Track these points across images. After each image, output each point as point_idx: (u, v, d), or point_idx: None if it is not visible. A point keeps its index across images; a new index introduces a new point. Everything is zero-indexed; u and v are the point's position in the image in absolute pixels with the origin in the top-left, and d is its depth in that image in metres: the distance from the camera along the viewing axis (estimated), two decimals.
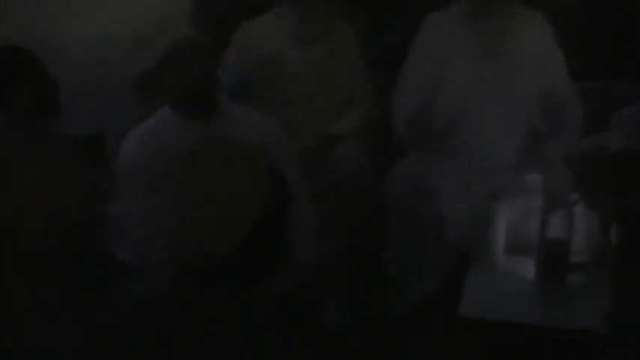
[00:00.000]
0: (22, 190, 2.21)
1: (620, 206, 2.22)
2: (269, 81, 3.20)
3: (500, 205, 2.56)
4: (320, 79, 3.19)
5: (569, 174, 2.35)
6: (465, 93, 2.89)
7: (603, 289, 2.18)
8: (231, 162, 1.37)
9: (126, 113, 2.90)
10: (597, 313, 2.06)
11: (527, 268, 2.26)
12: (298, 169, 2.63)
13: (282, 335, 1.40)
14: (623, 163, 2.25)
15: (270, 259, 1.40)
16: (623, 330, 2.00)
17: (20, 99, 2.31)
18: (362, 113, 3.26)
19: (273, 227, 1.38)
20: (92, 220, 2.33)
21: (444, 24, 2.95)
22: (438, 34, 2.95)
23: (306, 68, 3.17)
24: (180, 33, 2.59)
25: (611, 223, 2.22)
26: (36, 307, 1.73)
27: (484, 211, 2.61)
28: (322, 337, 2.64)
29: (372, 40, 3.86)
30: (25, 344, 1.61)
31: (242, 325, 1.35)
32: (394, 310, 2.91)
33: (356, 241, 3.17)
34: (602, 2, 3.83)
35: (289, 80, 3.17)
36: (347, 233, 3.12)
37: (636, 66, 2.77)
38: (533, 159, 2.80)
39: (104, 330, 1.40)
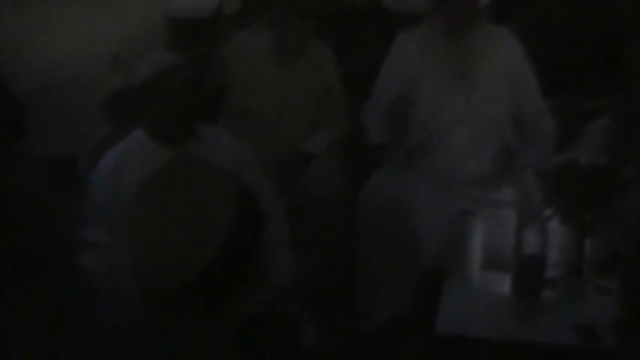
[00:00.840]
0: None
1: (594, 220, 2.22)
2: (244, 99, 3.20)
3: (474, 221, 2.56)
4: (293, 97, 3.20)
5: (543, 189, 2.35)
6: (437, 110, 2.91)
7: (579, 303, 2.19)
8: (200, 183, 1.35)
9: (98, 134, 2.88)
10: (573, 328, 2.06)
11: (503, 284, 2.25)
12: (272, 191, 2.62)
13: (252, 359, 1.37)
14: (594, 178, 2.26)
15: (241, 281, 1.38)
16: (600, 343, 2.00)
17: None
18: (336, 132, 3.27)
19: (243, 250, 1.36)
20: (62, 241, 2.30)
21: (415, 42, 2.98)
22: (410, 53, 2.98)
23: (279, 87, 3.18)
24: (157, 55, 2.55)
25: (585, 237, 2.22)
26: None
27: (458, 228, 2.61)
28: (296, 357, 2.61)
29: (346, 59, 3.88)
30: None
31: (209, 349, 1.32)
32: (368, 328, 2.89)
33: (329, 259, 3.16)
34: (571, 19, 3.89)
35: (263, 98, 3.18)
36: (320, 252, 3.11)
37: (604, 81, 2.81)
38: (507, 175, 2.82)
39: (70, 356, 1.36)
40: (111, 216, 2.29)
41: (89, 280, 2.33)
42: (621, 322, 1.98)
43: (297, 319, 2.46)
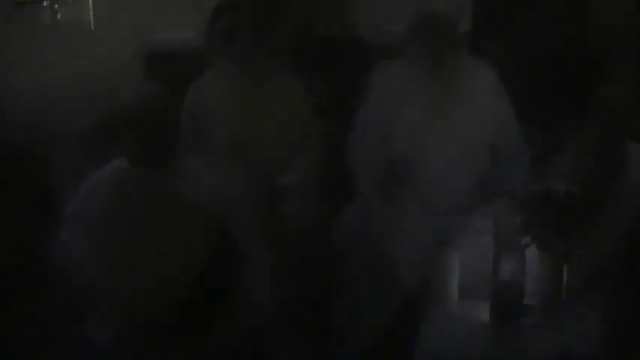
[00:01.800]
0: None
1: (570, 247, 2.25)
2: (214, 133, 3.21)
3: (452, 249, 2.57)
4: (264, 131, 3.21)
5: (520, 217, 2.38)
6: (415, 140, 2.93)
7: (557, 329, 2.20)
8: (176, 217, 1.36)
9: (74, 163, 2.87)
10: (551, 355, 2.07)
11: (482, 312, 2.26)
12: (251, 222, 2.62)
13: None
14: (570, 206, 2.29)
15: (219, 310, 1.38)
16: None
17: None
18: (309, 163, 3.28)
19: (220, 281, 1.36)
20: (38, 266, 2.28)
21: (394, 73, 3.00)
22: (388, 83, 3.00)
23: (249, 121, 3.19)
24: (137, 87, 2.56)
25: (562, 265, 2.24)
26: None
27: (437, 256, 2.62)
28: None
29: (323, 88, 3.91)
30: None
31: None
32: (347, 355, 2.88)
33: (308, 287, 3.16)
34: (546, 50, 3.96)
35: (234, 133, 3.19)
36: (299, 280, 3.10)
37: (577, 109, 2.85)
38: (484, 203, 2.84)
39: None
40: (88, 241, 2.26)
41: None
42: (599, 348, 2.00)
43: (277, 346, 2.46)
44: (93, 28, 3.97)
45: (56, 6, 3.86)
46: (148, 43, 4.25)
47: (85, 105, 3.32)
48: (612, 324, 2.00)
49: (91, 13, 4.00)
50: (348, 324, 2.97)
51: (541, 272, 2.27)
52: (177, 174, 2.44)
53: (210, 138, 3.22)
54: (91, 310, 2.13)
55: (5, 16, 3.60)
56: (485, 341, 2.19)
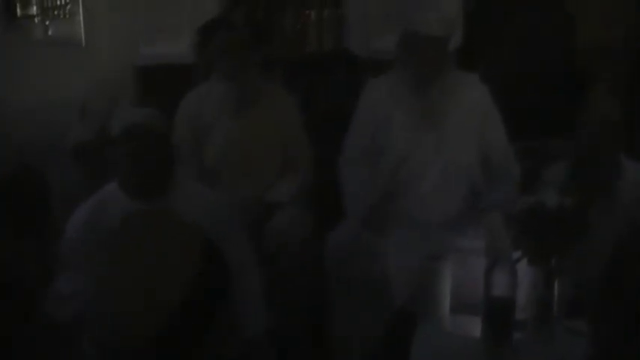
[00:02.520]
0: None
1: (561, 262, 2.25)
2: (206, 148, 3.20)
3: (443, 265, 2.57)
4: (255, 146, 3.21)
5: (510, 232, 2.38)
6: (406, 157, 2.93)
7: (549, 344, 2.20)
8: (165, 236, 1.35)
9: (66, 179, 2.86)
10: None
11: (473, 327, 2.26)
12: (245, 244, 2.62)
13: None
14: (560, 220, 2.29)
15: (208, 330, 1.37)
16: None
17: None
18: (300, 180, 3.27)
19: (208, 300, 1.36)
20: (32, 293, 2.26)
21: (384, 89, 3.00)
22: (379, 99, 3.00)
23: (240, 136, 3.19)
24: (130, 110, 2.52)
25: (554, 279, 2.24)
26: None
27: (428, 272, 2.61)
28: None
29: (315, 104, 3.93)
30: None
31: None
32: None
33: (300, 306, 3.15)
34: (536, 65, 4.00)
35: (225, 149, 3.18)
36: (291, 299, 3.09)
37: (566, 125, 2.86)
38: (475, 218, 2.84)
39: None
40: (82, 266, 2.24)
41: (59, 329, 2.28)
42: None
43: None
44: (84, 44, 3.98)
45: (47, 22, 3.87)
46: (139, 58, 4.25)
47: (75, 120, 3.31)
48: (605, 338, 2.00)
49: (82, 28, 4.00)
50: (340, 341, 2.96)
51: (532, 287, 2.27)
52: (175, 195, 2.42)
53: (202, 152, 3.22)
54: (81, 334, 2.12)
55: None
56: (477, 356, 2.18)
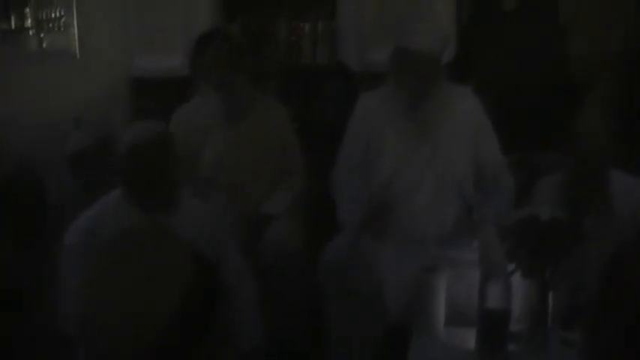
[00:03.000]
0: None
1: (555, 274, 2.26)
2: (200, 160, 3.20)
3: (438, 277, 2.58)
4: (247, 158, 3.20)
5: (504, 244, 2.39)
6: (399, 170, 2.93)
7: (543, 355, 2.21)
8: (156, 252, 1.35)
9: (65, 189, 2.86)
10: None
11: (468, 339, 2.26)
12: (239, 258, 2.61)
13: None
14: (554, 233, 2.30)
15: (199, 346, 1.37)
16: None
17: None
18: (294, 192, 3.27)
19: (199, 317, 1.36)
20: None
21: (377, 102, 3.00)
22: (371, 113, 3.00)
23: (232, 148, 3.19)
24: (140, 125, 2.50)
25: (548, 292, 2.25)
26: None
27: (422, 285, 2.61)
28: None
29: (308, 115, 3.94)
30: None
31: None
32: None
33: (296, 319, 3.14)
34: (528, 78, 4.01)
35: (216, 160, 3.18)
36: (286, 312, 3.08)
37: (559, 137, 2.87)
38: (469, 231, 2.84)
39: None
40: (81, 276, 2.23)
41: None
42: None
43: None
44: (78, 57, 3.98)
45: (42, 34, 3.87)
46: (133, 70, 4.26)
47: (71, 131, 3.31)
48: (599, 349, 2.00)
49: (77, 41, 4.00)
50: (335, 353, 2.95)
51: (527, 299, 2.27)
52: (177, 210, 2.41)
53: (196, 164, 3.22)
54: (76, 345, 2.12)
55: None
56: None
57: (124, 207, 2.39)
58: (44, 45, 3.93)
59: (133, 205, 2.38)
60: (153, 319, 1.29)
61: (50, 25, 3.96)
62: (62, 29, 3.99)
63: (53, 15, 3.98)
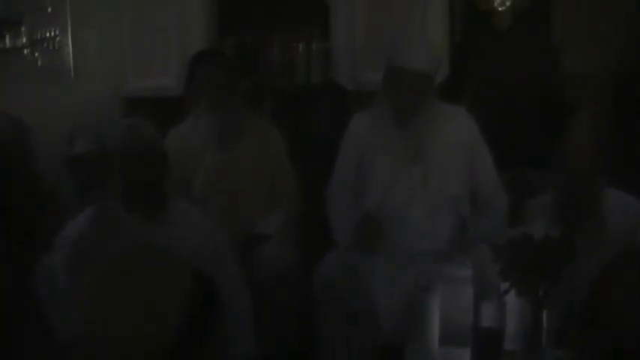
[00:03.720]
0: None
1: (548, 293, 2.26)
2: (192, 183, 3.20)
3: (431, 295, 2.57)
4: (241, 179, 3.21)
5: (498, 263, 2.39)
6: (391, 188, 2.93)
7: None
8: (155, 271, 1.36)
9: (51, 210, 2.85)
10: None
11: (463, 358, 2.26)
12: (235, 272, 2.61)
13: None
14: (547, 252, 2.30)
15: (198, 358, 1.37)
16: None
17: None
18: (287, 213, 3.27)
19: (197, 332, 1.36)
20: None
21: (369, 121, 3.01)
22: (364, 132, 3.01)
23: (226, 168, 3.19)
24: (130, 125, 2.54)
25: (542, 310, 2.25)
26: None
27: (416, 303, 2.61)
28: None
29: (302, 135, 3.94)
30: None
31: None
32: None
33: (288, 337, 3.13)
34: (521, 97, 4.05)
35: (210, 181, 3.19)
36: (279, 330, 3.07)
37: (551, 155, 2.89)
38: (463, 250, 2.84)
39: None
40: (72, 283, 2.22)
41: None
42: None
43: None
44: (73, 76, 4.00)
45: (37, 53, 3.88)
46: (126, 90, 4.26)
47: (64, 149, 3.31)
48: None
49: (71, 60, 4.02)
50: None
51: (521, 318, 2.27)
52: (169, 216, 2.43)
53: (190, 185, 3.22)
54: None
55: None
56: None
57: (118, 213, 2.40)
58: (39, 64, 3.95)
59: (124, 211, 2.40)
60: (152, 335, 1.29)
61: (45, 44, 3.98)
62: (57, 49, 4.01)
63: (48, 34, 4.00)
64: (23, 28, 3.90)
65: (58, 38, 4.01)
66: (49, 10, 4.01)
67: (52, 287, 2.32)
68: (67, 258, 2.33)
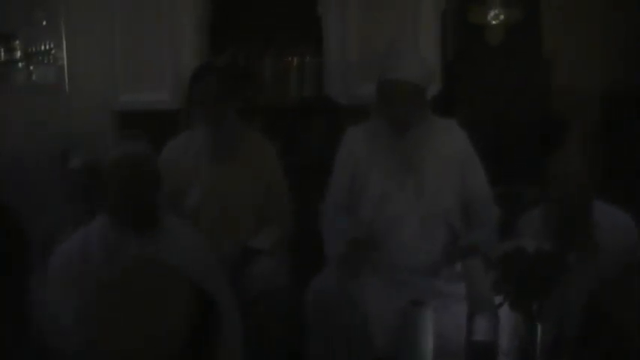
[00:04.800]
0: None
1: (541, 306, 2.27)
2: (187, 196, 3.20)
3: (425, 311, 2.57)
4: (234, 194, 3.20)
5: (491, 277, 2.39)
6: (384, 203, 2.94)
7: None
8: (156, 285, 1.36)
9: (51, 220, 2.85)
10: None
11: None
12: (227, 287, 2.61)
13: None
14: (540, 265, 2.31)
15: None
16: None
17: None
18: (280, 229, 3.26)
19: (198, 346, 1.36)
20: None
21: (363, 136, 3.02)
22: (358, 146, 3.02)
23: (219, 184, 3.19)
24: (126, 145, 2.54)
25: (536, 323, 2.26)
26: None
27: (409, 318, 2.61)
28: None
29: (296, 150, 3.94)
30: None
31: None
32: None
33: (278, 353, 3.11)
34: (512, 112, 4.07)
35: (204, 196, 3.18)
36: (269, 347, 3.06)
37: (542, 172, 2.90)
38: (455, 264, 2.84)
39: None
40: (68, 301, 2.22)
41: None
42: None
43: None
44: (67, 89, 4.00)
45: (31, 67, 3.89)
46: (120, 103, 4.27)
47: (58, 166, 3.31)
48: None
49: (66, 74, 4.02)
50: None
51: (514, 331, 2.28)
52: (163, 232, 2.43)
53: (184, 198, 3.22)
54: None
55: None
56: None
57: (112, 231, 2.40)
58: (33, 77, 3.95)
59: (118, 229, 2.40)
60: (153, 347, 1.29)
61: (40, 58, 3.98)
62: (51, 62, 4.01)
63: (43, 48, 4.00)
64: (18, 42, 3.90)
65: (52, 51, 4.02)
66: (44, 23, 4.01)
67: (48, 309, 2.30)
68: (61, 279, 2.33)
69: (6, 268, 1.96)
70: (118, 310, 1.31)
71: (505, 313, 2.31)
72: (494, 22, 4.20)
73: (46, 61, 4.00)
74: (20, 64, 3.91)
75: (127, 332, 1.29)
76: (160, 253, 2.23)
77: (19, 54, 3.89)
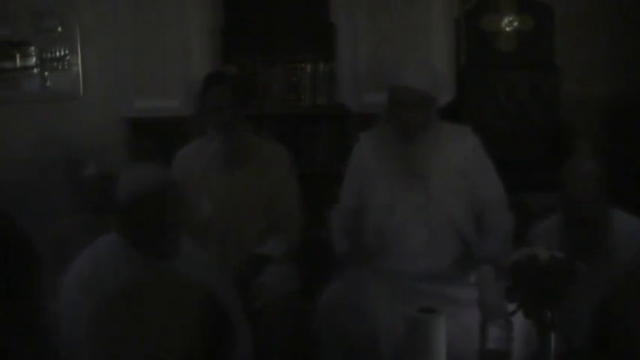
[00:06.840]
0: None
1: (554, 314, 2.25)
2: (197, 204, 3.20)
3: (436, 319, 2.56)
4: (245, 201, 3.20)
5: (504, 285, 2.38)
6: (393, 210, 2.92)
7: None
8: (170, 296, 1.36)
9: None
10: None
11: None
12: (238, 301, 2.61)
13: None
14: (553, 273, 2.30)
15: None
16: None
17: None
18: (290, 237, 3.26)
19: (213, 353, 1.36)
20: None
21: (372, 143, 3.02)
22: (367, 153, 3.01)
23: (229, 191, 3.19)
24: (148, 172, 2.45)
25: (550, 331, 2.25)
26: None
27: (420, 326, 2.59)
28: None
29: (306, 158, 3.94)
30: None
31: None
32: None
33: None
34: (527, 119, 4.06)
35: (215, 203, 3.19)
36: (278, 355, 3.05)
37: (554, 181, 2.89)
38: (468, 271, 2.83)
39: None
40: (81, 321, 2.21)
41: None
42: None
43: None
44: (82, 95, 4.01)
45: (46, 73, 3.91)
46: (134, 110, 4.28)
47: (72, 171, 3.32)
48: None
49: (81, 80, 4.03)
50: None
51: (528, 339, 2.27)
52: (179, 255, 2.40)
53: (194, 207, 3.22)
54: None
55: None
56: None
57: (123, 251, 2.35)
58: (48, 84, 3.96)
59: (134, 249, 2.34)
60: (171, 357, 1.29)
61: (54, 64, 4.00)
62: (66, 68, 4.03)
63: (57, 54, 4.02)
64: (33, 48, 3.92)
65: (67, 58, 4.04)
66: (59, 29, 4.03)
67: (62, 328, 2.29)
68: (75, 299, 2.30)
69: (16, 280, 1.96)
70: (131, 322, 1.31)
71: (518, 321, 2.30)
72: (507, 29, 4.21)
73: (61, 68, 4.02)
74: (35, 70, 3.93)
75: (139, 346, 1.29)
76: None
77: (34, 60, 3.91)
